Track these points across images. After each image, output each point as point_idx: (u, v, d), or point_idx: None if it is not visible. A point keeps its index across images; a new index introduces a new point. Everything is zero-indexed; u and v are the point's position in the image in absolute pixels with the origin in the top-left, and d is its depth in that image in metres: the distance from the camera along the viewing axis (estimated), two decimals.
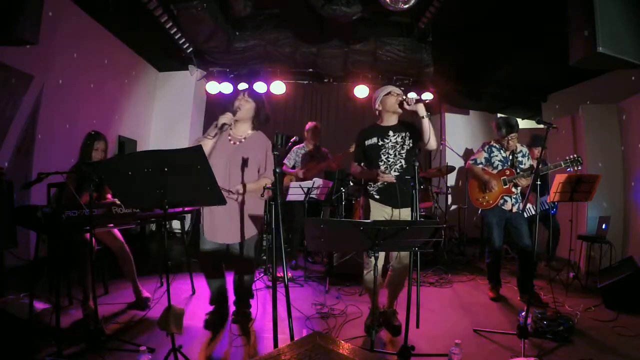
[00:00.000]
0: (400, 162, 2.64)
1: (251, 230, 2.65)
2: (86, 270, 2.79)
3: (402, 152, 2.64)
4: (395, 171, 2.63)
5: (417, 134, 2.61)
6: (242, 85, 5.88)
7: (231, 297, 2.86)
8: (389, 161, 2.64)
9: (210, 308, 2.80)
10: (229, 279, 2.83)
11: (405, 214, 2.63)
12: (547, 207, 4.23)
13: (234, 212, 2.58)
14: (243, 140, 2.68)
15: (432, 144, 2.54)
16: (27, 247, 3.44)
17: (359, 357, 1.33)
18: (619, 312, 3.02)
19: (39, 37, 2.82)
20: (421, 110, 2.49)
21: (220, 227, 2.59)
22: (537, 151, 4.20)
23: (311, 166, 4.60)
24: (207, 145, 2.48)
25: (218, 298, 2.78)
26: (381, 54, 5.32)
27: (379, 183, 2.64)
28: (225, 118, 2.49)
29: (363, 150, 2.75)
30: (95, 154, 3.02)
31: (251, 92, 2.75)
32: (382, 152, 2.65)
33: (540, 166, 2.70)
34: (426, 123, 2.49)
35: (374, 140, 2.68)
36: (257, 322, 2.80)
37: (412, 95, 2.44)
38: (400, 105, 2.61)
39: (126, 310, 2.98)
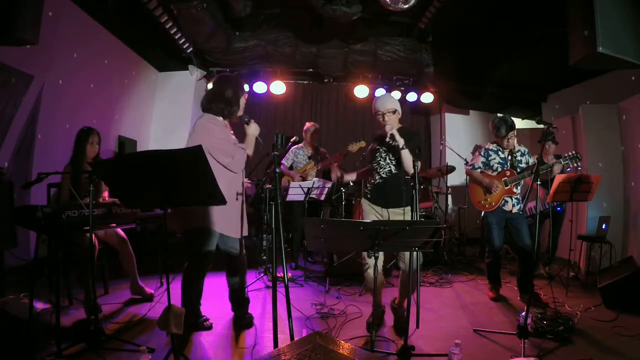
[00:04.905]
0: (390, 166, 2.75)
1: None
2: (87, 270, 2.79)
3: (393, 158, 2.75)
4: (384, 174, 2.76)
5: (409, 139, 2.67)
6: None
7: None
8: (379, 164, 2.79)
9: (203, 305, 2.83)
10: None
11: (394, 214, 2.72)
12: (547, 206, 4.23)
13: (239, 206, 2.67)
14: None
15: (409, 171, 2.62)
16: (27, 247, 3.44)
17: (359, 357, 1.33)
18: (619, 312, 3.01)
19: (39, 37, 2.81)
20: (399, 142, 2.58)
21: (236, 221, 2.63)
22: (547, 145, 4.21)
23: (309, 166, 4.59)
24: None
25: (199, 298, 2.74)
26: (381, 54, 5.33)
27: (370, 183, 2.74)
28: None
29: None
30: (90, 147, 3.01)
31: None
32: (377, 154, 2.82)
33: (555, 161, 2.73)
34: (404, 154, 2.58)
35: (375, 144, 2.87)
36: (257, 322, 2.80)
37: (387, 127, 2.62)
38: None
39: (126, 310, 2.98)
